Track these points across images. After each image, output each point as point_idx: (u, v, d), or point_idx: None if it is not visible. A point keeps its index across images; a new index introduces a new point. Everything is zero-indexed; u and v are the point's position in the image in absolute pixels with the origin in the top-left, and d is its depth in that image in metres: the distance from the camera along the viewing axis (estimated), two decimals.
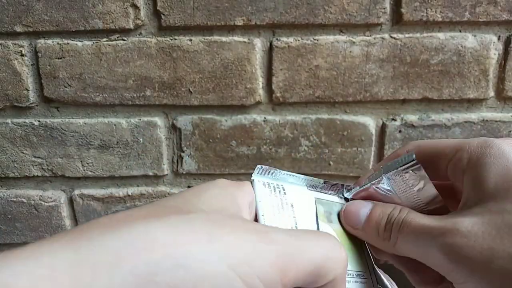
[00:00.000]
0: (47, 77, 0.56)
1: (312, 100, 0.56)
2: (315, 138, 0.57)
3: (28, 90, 0.56)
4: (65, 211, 0.62)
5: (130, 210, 0.19)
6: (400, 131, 0.57)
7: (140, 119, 0.58)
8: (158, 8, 0.52)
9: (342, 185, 0.30)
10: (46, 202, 0.61)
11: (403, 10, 0.52)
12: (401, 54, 0.54)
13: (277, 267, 0.18)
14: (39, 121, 0.58)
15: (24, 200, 0.62)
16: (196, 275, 0.17)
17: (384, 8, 0.52)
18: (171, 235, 0.17)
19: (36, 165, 0.60)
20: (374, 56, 0.54)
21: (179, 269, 0.16)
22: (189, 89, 0.56)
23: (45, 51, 0.55)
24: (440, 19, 0.52)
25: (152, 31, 0.54)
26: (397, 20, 0.53)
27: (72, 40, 0.55)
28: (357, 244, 0.27)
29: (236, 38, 0.54)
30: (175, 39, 0.54)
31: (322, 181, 0.29)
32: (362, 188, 0.28)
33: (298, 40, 0.53)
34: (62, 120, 0.58)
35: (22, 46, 0.55)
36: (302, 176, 0.28)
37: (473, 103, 0.56)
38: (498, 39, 0.53)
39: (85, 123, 0.58)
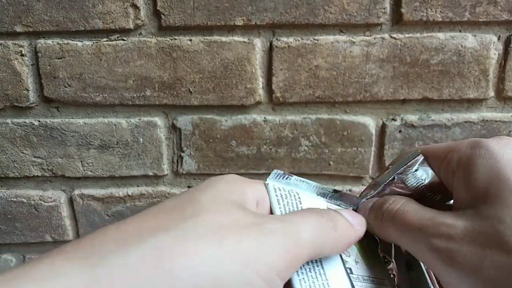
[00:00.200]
0: (47, 77, 0.56)
1: (312, 100, 0.56)
2: (315, 138, 0.57)
3: (28, 90, 0.56)
4: (65, 211, 0.62)
5: (136, 217, 0.20)
6: (400, 131, 0.57)
7: (140, 119, 0.58)
8: (158, 8, 0.52)
9: (354, 197, 0.30)
10: (46, 202, 0.61)
11: (403, 10, 0.52)
12: (401, 54, 0.54)
13: (283, 254, 0.19)
14: (39, 121, 0.58)
15: (24, 200, 0.62)
16: (213, 279, 0.17)
17: (384, 8, 0.52)
18: (181, 246, 0.18)
19: (36, 165, 0.60)
20: (374, 56, 0.54)
21: (197, 277, 0.17)
22: (189, 89, 0.56)
23: (45, 51, 0.55)
24: (440, 19, 0.52)
25: (152, 31, 0.54)
26: (397, 20, 0.53)
27: (72, 40, 0.55)
28: (374, 253, 0.27)
29: (236, 38, 0.54)
30: (175, 39, 0.54)
31: (331, 189, 0.29)
32: (376, 192, 0.28)
33: (298, 40, 0.53)
34: (62, 120, 0.58)
35: (22, 46, 0.55)
36: (313, 183, 0.28)
37: (473, 103, 0.56)
38: (498, 39, 0.53)
39: (85, 123, 0.58)
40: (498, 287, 0.19)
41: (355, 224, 0.24)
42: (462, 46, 0.53)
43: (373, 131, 0.57)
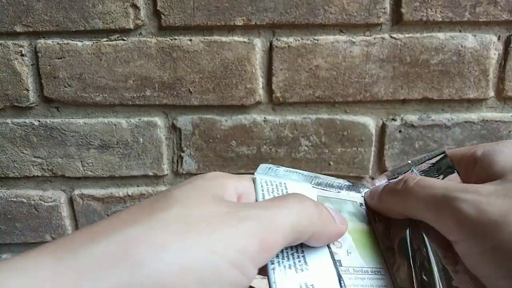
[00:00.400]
0: (47, 77, 0.56)
1: (312, 100, 0.56)
2: (315, 138, 0.57)
3: (28, 90, 0.56)
4: (65, 211, 0.62)
5: (114, 214, 0.20)
6: (400, 131, 0.57)
7: (140, 119, 0.58)
8: (158, 8, 0.52)
9: (363, 185, 0.30)
10: (46, 202, 0.61)
11: (403, 10, 0.52)
12: (401, 54, 0.54)
13: (255, 239, 0.19)
14: (39, 121, 0.58)
15: (24, 200, 0.62)
16: (180, 268, 0.18)
17: (384, 8, 0.52)
18: (148, 237, 0.18)
19: (36, 165, 0.60)
20: (374, 56, 0.54)
21: (162, 267, 0.17)
22: (189, 89, 0.56)
23: (45, 51, 0.55)
24: (440, 19, 0.52)
25: (152, 31, 0.54)
26: (397, 20, 0.53)
27: (72, 40, 0.55)
28: (374, 240, 0.27)
29: (236, 38, 0.54)
30: (175, 39, 0.54)
31: (341, 181, 0.29)
32: (389, 180, 0.29)
33: (298, 40, 0.53)
34: (62, 120, 0.58)
35: (22, 46, 0.55)
36: (311, 174, 0.28)
37: (473, 103, 0.56)
38: (498, 39, 0.53)
39: (85, 123, 0.58)
40: None
41: (338, 222, 0.24)
42: (462, 46, 0.53)
43: (373, 131, 0.57)
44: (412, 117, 0.56)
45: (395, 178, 0.30)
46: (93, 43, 0.54)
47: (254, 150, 0.58)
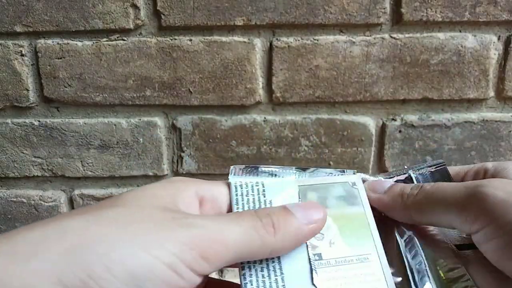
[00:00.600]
0: (47, 77, 0.56)
1: (312, 100, 0.56)
2: (315, 138, 0.57)
3: (28, 90, 0.56)
4: (65, 211, 0.62)
5: (65, 212, 0.21)
6: (400, 131, 0.57)
7: (140, 119, 0.58)
8: (158, 8, 0.52)
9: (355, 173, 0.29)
10: (46, 202, 0.61)
11: (403, 10, 0.52)
12: (401, 54, 0.54)
13: (196, 247, 0.19)
14: (39, 121, 0.58)
15: (24, 200, 0.62)
16: (109, 259, 0.18)
17: (384, 8, 0.52)
18: (82, 228, 0.19)
19: (36, 165, 0.60)
20: (374, 56, 0.54)
21: (91, 256, 0.18)
22: (189, 89, 0.56)
23: (45, 51, 0.55)
24: (440, 19, 0.52)
25: (152, 31, 0.54)
26: (397, 20, 0.53)
27: (72, 40, 0.55)
28: (366, 223, 0.26)
29: (236, 38, 0.54)
30: (175, 39, 0.54)
31: (333, 170, 0.28)
32: (385, 179, 0.29)
33: (298, 40, 0.53)
34: (62, 120, 0.58)
35: (22, 46, 0.55)
36: (291, 168, 0.27)
37: (473, 103, 0.56)
38: (498, 39, 0.53)
39: (85, 123, 0.58)
40: None
41: (307, 222, 0.23)
42: (462, 46, 0.53)
43: (373, 131, 0.57)
44: (412, 117, 0.56)
45: (391, 178, 0.29)
46: (93, 43, 0.54)
47: (254, 150, 0.58)
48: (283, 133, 0.57)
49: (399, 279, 0.24)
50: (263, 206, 0.25)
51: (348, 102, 0.56)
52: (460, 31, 0.53)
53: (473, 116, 0.56)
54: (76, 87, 0.56)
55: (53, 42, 0.54)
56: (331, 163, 0.58)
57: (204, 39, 0.54)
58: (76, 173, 0.60)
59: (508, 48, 0.53)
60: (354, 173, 0.28)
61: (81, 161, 0.59)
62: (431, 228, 0.27)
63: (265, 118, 0.57)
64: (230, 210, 0.25)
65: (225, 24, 0.53)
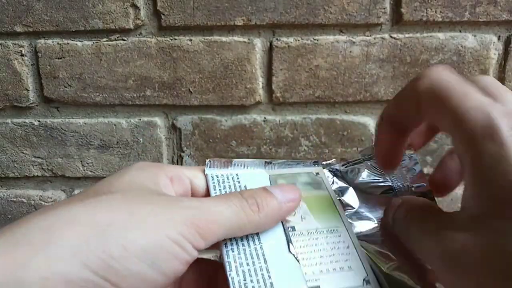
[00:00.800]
0: (47, 77, 0.56)
1: (312, 100, 0.56)
2: (315, 138, 0.57)
3: (28, 90, 0.56)
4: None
5: (57, 202, 0.22)
6: None
7: (140, 119, 0.58)
8: (158, 8, 0.52)
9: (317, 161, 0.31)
10: (46, 202, 0.61)
11: (403, 10, 0.52)
12: (401, 54, 0.54)
13: (193, 226, 0.21)
14: (39, 121, 0.58)
15: (24, 200, 0.62)
16: (125, 240, 0.20)
17: (384, 8, 0.52)
18: (91, 215, 0.20)
19: (36, 165, 0.60)
20: (374, 56, 0.54)
21: (108, 238, 0.19)
22: (189, 89, 0.56)
23: (45, 51, 0.55)
24: (440, 19, 0.52)
25: (152, 31, 0.54)
26: (397, 20, 0.53)
27: (72, 40, 0.55)
28: (331, 205, 0.28)
29: (236, 38, 0.54)
30: (175, 39, 0.54)
31: (300, 161, 0.30)
32: (354, 161, 0.31)
33: (298, 40, 0.53)
34: (62, 120, 0.58)
35: (22, 46, 0.55)
36: (261, 160, 0.29)
37: None
38: (498, 39, 0.53)
39: (85, 123, 0.58)
40: None
41: (285, 201, 0.25)
42: (462, 46, 0.53)
43: (373, 131, 0.57)
44: None
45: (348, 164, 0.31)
46: (93, 43, 0.54)
47: (254, 150, 0.58)
48: (283, 133, 0.57)
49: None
50: (239, 190, 0.27)
51: (348, 102, 0.56)
52: (460, 31, 0.53)
53: None
54: (76, 87, 0.56)
55: (53, 42, 0.55)
56: None
57: (204, 39, 0.54)
58: (76, 173, 0.60)
59: (508, 48, 0.53)
60: (314, 163, 0.31)
61: (81, 161, 0.59)
62: None
63: (265, 118, 0.57)
64: (206, 194, 0.27)
65: (225, 24, 0.53)
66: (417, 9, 0.52)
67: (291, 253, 0.25)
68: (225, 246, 0.24)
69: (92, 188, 0.23)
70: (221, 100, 0.56)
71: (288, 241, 0.25)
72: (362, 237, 0.27)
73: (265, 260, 0.24)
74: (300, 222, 0.26)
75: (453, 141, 0.21)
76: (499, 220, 0.19)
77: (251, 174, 0.28)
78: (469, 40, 0.53)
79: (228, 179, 0.27)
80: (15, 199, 0.62)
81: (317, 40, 0.53)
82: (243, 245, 0.24)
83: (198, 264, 0.23)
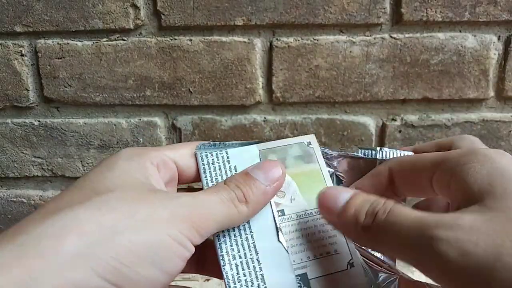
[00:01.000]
0: (47, 77, 0.56)
1: (312, 100, 0.56)
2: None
3: (28, 90, 0.56)
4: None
5: (54, 198, 0.22)
6: (400, 131, 0.57)
7: (140, 119, 0.58)
8: (158, 8, 0.52)
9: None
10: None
11: (403, 10, 0.52)
12: (401, 54, 0.54)
13: (190, 222, 0.22)
14: (39, 121, 0.58)
15: (24, 200, 0.62)
16: (132, 244, 0.20)
17: (384, 8, 0.52)
18: (96, 219, 0.20)
19: (36, 165, 0.60)
20: (374, 56, 0.54)
21: (115, 245, 0.19)
22: (189, 89, 0.56)
23: (45, 51, 0.55)
24: (440, 19, 0.52)
25: (152, 31, 0.54)
26: (397, 20, 0.53)
27: (72, 40, 0.55)
28: (321, 179, 0.28)
29: (236, 38, 0.54)
30: (175, 39, 0.54)
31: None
32: (352, 156, 0.30)
33: (298, 40, 0.53)
34: (62, 120, 0.58)
35: (22, 46, 0.55)
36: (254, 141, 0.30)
37: (473, 103, 0.56)
38: (498, 39, 0.53)
39: (85, 123, 0.58)
40: None
41: (270, 182, 0.25)
42: (462, 46, 0.53)
43: (373, 131, 0.57)
44: (412, 117, 0.56)
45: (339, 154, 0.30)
46: (93, 43, 0.54)
47: None
48: (283, 133, 0.57)
49: None
50: (228, 173, 0.27)
51: (348, 102, 0.56)
52: (460, 31, 0.53)
53: (473, 116, 0.56)
54: (76, 87, 0.56)
55: (53, 42, 0.55)
56: None
57: (204, 39, 0.54)
58: (76, 173, 0.60)
59: (508, 48, 0.53)
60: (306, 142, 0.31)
61: (81, 161, 0.59)
62: None
63: (265, 118, 0.57)
64: (197, 178, 0.28)
65: (225, 24, 0.53)
66: (417, 9, 0.52)
67: (280, 242, 0.26)
68: (218, 238, 0.25)
69: (85, 183, 0.23)
70: (221, 100, 0.56)
71: (277, 229, 0.26)
72: None
73: (256, 251, 0.25)
74: (289, 205, 0.27)
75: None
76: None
77: (241, 152, 0.28)
78: (469, 40, 0.53)
79: (218, 159, 0.27)
80: (15, 199, 0.62)
81: (317, 40, 0.53)
82: (234, 235, 0.25)
83: None
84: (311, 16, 0.52)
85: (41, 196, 0.61)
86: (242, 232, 0.25)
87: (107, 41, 0.54)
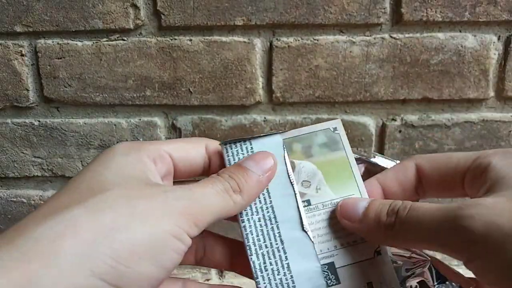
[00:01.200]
0: (47, 77, 0.56)
1: (312, 100, 0.56)
2: None
3: (28, 90, 0.56)
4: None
5: (50, 199, 0.22)
6: (400, 131, 0.57)
7: (140, 119, 0.58)
8: (158, 8, 0.52)
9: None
10: None
11: (403, 10, 0.52)
12: (401, 54, 0.54)
13: (187, 215, 0.22)
14: (39, 121, 0.58)
15: (24, 200, 0.62)
16: (132, 243, 0.20)
17: (384, 8, 0.52)
18: (94, 218, 0.20)
19: (36, 165, 0.60)
20: (374, 56, 0.54)
21: (115, 245, 0.20)
22: (189, 89, 0.56)
23: (45, 51, 0.55)
24: (440, 19, 0.52)
25: (152, 31, 0.54)
26: (397, 20, 0.53)
27: (72, 40, 0.55)
28: (347, 168, 0.28)
29: (236, 38, 0.54)
30: (175, 39, 0.54)
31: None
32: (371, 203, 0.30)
33: (298, 40, 0.53)
34: (62, 120, 0.58)
35: (22, 46, 0.55)
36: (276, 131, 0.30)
37: (473, 103, 0.56)
38: (498, 39, 0.53)
39: (85, 123, 0.58)
40: None
41: (262, 173, 0.26)
42: (462, 46, 0.53)
43: (373, 131, 0.57)
44: (412, 117, 0.56)
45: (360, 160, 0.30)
46: (93, 43, 0.54)
47: None
48: None
49: None
50: None
51: (348, 102, 0.56)
52: (460, 31, 0.53)
53: (473, 116, 0.56)
54: (76, 87, 0.56)
55: (53, 42, 0.55)
56: None
57: (204, 39, 0.54)
58: (76, 173, 0.60)
59: (508, 48, 0.53)
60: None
61: (81, 161, 0.59)
62: None
63: (265, 118, 0.57)
64: (193, 172, 0.28)
65: (225, 24, 0.53)
66: (417, 9, 0.52)
67: (304, 230, 0.26)
68: (244, 229, 0.26)
69: (82, 182, 0.23)
70: (221, 100, 0.56)
71: (301, 218, 0.26)
72: None
73: (281, 241, 0.25)
74: (315, 195, 0.27)
75: None
76: None
77: (265, 142, 0.28)
78: (469, 40, 0.53)
79: (242, 150, 0.28)
80: (15, 199, 0.62)
81: (317, 40, 0.53)
82: (260, 225, 0.26)
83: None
84: (311, 16, 0.52)
85: (41, 196, 0.61)
86: (268, 222, 0.26)
87: (107, 41, 0.54)
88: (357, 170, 0.28)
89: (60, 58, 0.55)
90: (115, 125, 0.58)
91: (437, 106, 0.56)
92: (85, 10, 0.53)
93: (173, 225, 0.22)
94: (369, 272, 0.26)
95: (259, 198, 0.26)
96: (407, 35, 0.53)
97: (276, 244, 0.25)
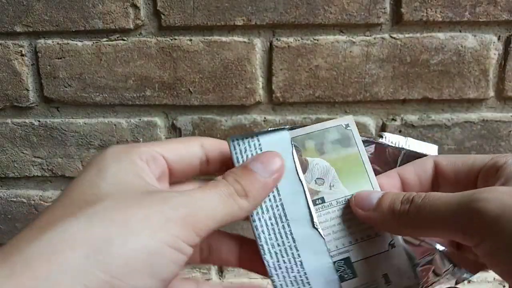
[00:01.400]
0: (47, 77, 0.56)
1: (312, 100, 0.56)
2: None
3: (28, 90, 0.56)
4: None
5: (45, 211, 0.21)
6: (400, 131, 0.57)
7: (140, 119, 0.58)
8: (158, 8, 0.52)
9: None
10: (46, 202, 0.61)
11: (403, 10, 0.52)
12: (401, 54, 0.54)
13: (187, 224, 0.21)
14: (39, 121, 0.58)
15: (24, 200, 0.62)
16: (127, 256, 0.19)
17: (384, 8, 0.52)
18: (88, 232, 0.20)
19: (36, 165, 0.60)
20: (374, 56, 0.54)
21: (109, 259, 0.19)
22: (189, 89, 0.56)
23: (45, 51, 0.55)
24: (440, 19, 0.52)
25: (152, 31, 0.54)
26: (397, 20, 0.53)
27: (72, 40, 0.55)
28: (360, 164, 0.28)
29: (236, 38, 0.54)
30: (175, 39, 0.54)
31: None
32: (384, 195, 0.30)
33: (298, 40, 0.53)
34: (62, 120, 0.58)
35: (22, 46, 0.55)
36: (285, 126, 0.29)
37: (473, 103, 0.56)
38: (498, 39, 0.53)
39: (85, 123, 0.58)
40: None
41: (269, 175, 0.25)
42: (462, 46, 0.53)
43: (373, 131, 0.57)
44: (412, 117, 0.56)
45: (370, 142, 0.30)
46: (93, 43, 0.54)
47: None
48: None
49: None
50: None
51: (348, 102, 0.56)
52: (460, 31, 0.53)
53: (473, 116, 0.56)
54: (76, 87, 0.56)
55: (53, 42, 0.55)
56: None
57: (204, 39, 0.54)
58: (76, 173, 0.60)
59: (508, 48, 0.53)
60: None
61: (81, 161, 0.59)
62: None
63: (265, 118, 0.57)
64: (189, 173, 0.28)
65: (225, 24, 0.53)
66: (417, 9, 0.52)
67: (315, 228, 0.26)
68: (256, 228, 0.26)
69: (77, 194, 0.22)
70: (221, 100, 0.56)
71: (311, 215, 0.26)
72: None
73: (293, 239, 0.26)
74: (329, 192, 0.27)
75: None
76: None
77: (272, 139, 0.28)
78: (469, 40, 0.53)
79: (250, 147, 0.27)
80: (15, 199, 0.62)
81: (317, 40, 0.53)
82: (271, 224, 0.26)
83: None
84: (311, 16, 0.52)
85: (41, 196, 0.61)
86: (279, 220, 0.26)
87: (107, 41, 0.54)
88: (370, 166, 0.28)
89: (60, 58, 0.55)
90: (115, 125, 0.58)
91: (437, 106, 0.56)
92: (85, 10, 0.53)
93: (170, 235, 0.21)
94: (384, 265, 0.26)
95: (269, 196, 0.26)
96: (407, 35, 0.53)
97: (288, 242, 0.26)
